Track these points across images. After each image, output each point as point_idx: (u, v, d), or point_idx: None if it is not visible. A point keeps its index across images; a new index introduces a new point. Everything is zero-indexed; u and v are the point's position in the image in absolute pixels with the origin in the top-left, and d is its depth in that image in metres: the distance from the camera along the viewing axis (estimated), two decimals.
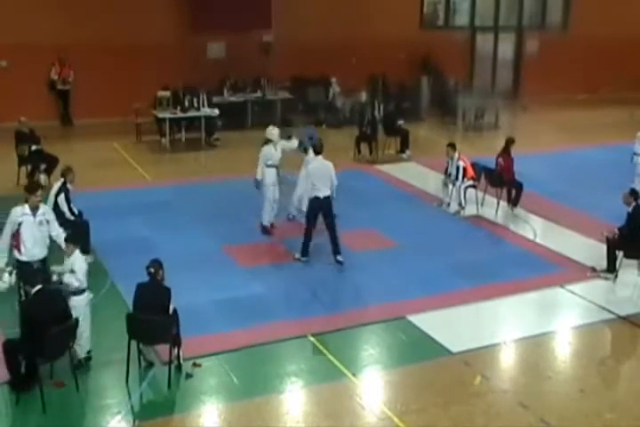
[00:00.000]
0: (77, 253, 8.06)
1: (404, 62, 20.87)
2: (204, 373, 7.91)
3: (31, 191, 8.61)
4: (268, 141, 11.79)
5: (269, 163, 11.70)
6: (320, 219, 10.81)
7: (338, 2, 20.16)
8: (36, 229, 8.52)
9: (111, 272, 10.15)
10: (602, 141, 17.64)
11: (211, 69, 18.78)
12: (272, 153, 11.72)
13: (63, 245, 8.34)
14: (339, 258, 10.73)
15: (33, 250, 8.50)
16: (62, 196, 10.43)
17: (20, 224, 8.42)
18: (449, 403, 7.46)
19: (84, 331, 7.82)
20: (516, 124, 19.52)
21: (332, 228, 10.73)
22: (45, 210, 8.75)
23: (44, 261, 8.65)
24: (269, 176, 11.73)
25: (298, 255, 10.85)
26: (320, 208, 10.70)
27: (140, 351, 7.77)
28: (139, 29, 18.30)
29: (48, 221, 8.67)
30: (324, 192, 10.62)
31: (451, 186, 12.96)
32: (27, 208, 8.54)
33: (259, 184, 11.73)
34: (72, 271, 7.90)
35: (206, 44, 19.47)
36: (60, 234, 8.72)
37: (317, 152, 10.95)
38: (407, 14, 21.25)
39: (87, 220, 10.72)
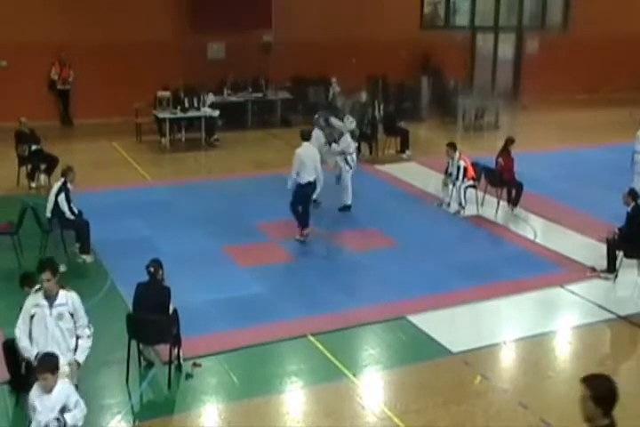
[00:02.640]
0: (64, 384, 5.85)
1: (404, 62, 20.88)
2: (204, 373, 7.91)
3: (40, 270, 6.51)
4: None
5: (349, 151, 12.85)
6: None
7: (338, 2, 20.18)
8: (52, 326, 6.44)
9: (111, 272, 10.15)
10: (602, 141, 17.64)
11: (211, 69, 18.79)
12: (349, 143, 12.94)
13: (80, 356, 6.61)
14: (305, 233, 11.46)
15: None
16: (62, 195, 10.47)
17: (32, 317, 6.47)
18: (449, 403, 7.46)
19: None
20: (516, 124, 19.54)
21: (306, 210, 11.52)
22: (68, 298, 6.57)
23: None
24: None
25: (298, 236, 11.42)
26: (304, 193, 11.38)
27: (140, 351, 7.77)
28: (139, 29, 18.31)
29: (72, 314, 6.55)
30: (310, 177, 11.32)
31: (451, 186, 12.96)
32: (40, 296, 6.54)
33: None
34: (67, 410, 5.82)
35: (206, 44, 19.49)
36: (84, 331, 6.72)
37: (305, 139, 11.56)
38: (407, 14, 21.26)
39: (87, 219, 10.73)
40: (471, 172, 12.95)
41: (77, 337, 6.69)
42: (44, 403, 5.70)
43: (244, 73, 19.40)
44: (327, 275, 10.47)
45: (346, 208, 12.85)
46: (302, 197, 11.45)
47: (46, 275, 6.46)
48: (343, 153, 12.90)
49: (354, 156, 13.08)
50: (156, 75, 17.66)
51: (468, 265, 10.66)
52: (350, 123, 13.15)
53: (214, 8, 18.58)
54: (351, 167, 12.92)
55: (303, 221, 11.49)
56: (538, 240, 11.74)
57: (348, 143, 12.99)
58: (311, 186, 11.46)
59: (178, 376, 7.78)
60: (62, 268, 10.15)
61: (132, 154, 16.49)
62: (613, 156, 15.68)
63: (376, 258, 10.98)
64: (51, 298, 6.49)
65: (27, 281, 7.40)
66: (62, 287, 6.62)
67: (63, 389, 5.78)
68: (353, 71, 19.34)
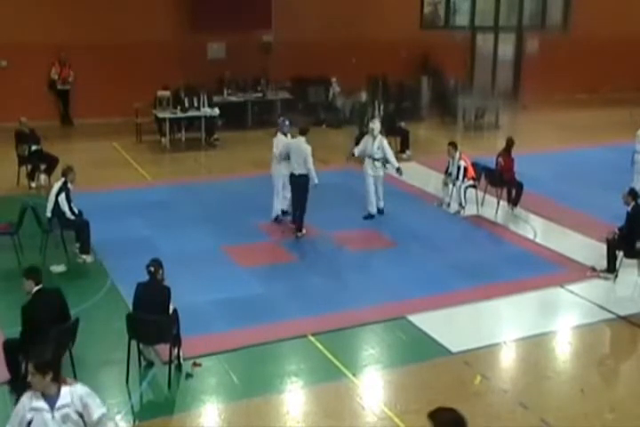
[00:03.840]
0: None
1: (403, 62, 20.88)
2: (204, 373, 7.91)
3: (40, 370, 4.90)
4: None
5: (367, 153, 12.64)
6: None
7: (338, 2, 20.17)
8: None
9: (111, 272, 10.15)
10: (602, 141, 17.63)
11: (211, 69, 18.78)
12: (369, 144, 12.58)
13: None
14: (299, 234, 11.60)
15: None
16: (63, 195, 10.47)
17: (29, 424, 4.98)
18: (449, 403, 7.40)
19: None
20: (517, 124, 19.54)
21: (302, 206, 11.51)
22: (73, 396, 5.01)
23: None
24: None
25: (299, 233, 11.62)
26: (296, 184, 11.49)
27: (140, 351, 7.76)
28: (139, 29, 18.29)
29: (80, 414, 5.00)
30: (298, 170, 11.37)
31: (451, 186, 12.96)
32: (38, 397, 4.96)
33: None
34: None
35: (206, 44, 19.48)
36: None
37: (301, 133, 11.57)
38: (407, 14, 21.24)
39: (87, 219, 10.73)
40: (471, 172, 12.95)
41: None
42: None
43: (244, 73, 19.40)
44: (327, 275, 10.46)
45: (378, 214, 12.71)
46: (300, 189, 11.43)
47: (31, 368, 4.92)
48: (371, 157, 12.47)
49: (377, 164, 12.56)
50: (156, 75, 17.64)
51: (468, 265, 10.67)
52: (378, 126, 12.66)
53: (214, 8, 18.57)
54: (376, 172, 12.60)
55: (299, 217, 11.59)
56: (538, 240, 11.74)
57: (382, 147, 12.48)
58: (305, 178, 11.36)
59: (178, 376, 7.78)
60: (62, 268, 10.21)
61: (132, 154, 16.49)
62: (613, 156, 15.68)
63: (376, 258, 10.99)
64: (51, 398, 4.95)
65: (31, 275, 7.37)
66: (64, 382, 5.02)
67: None
68: (353, 71, 19.33)
